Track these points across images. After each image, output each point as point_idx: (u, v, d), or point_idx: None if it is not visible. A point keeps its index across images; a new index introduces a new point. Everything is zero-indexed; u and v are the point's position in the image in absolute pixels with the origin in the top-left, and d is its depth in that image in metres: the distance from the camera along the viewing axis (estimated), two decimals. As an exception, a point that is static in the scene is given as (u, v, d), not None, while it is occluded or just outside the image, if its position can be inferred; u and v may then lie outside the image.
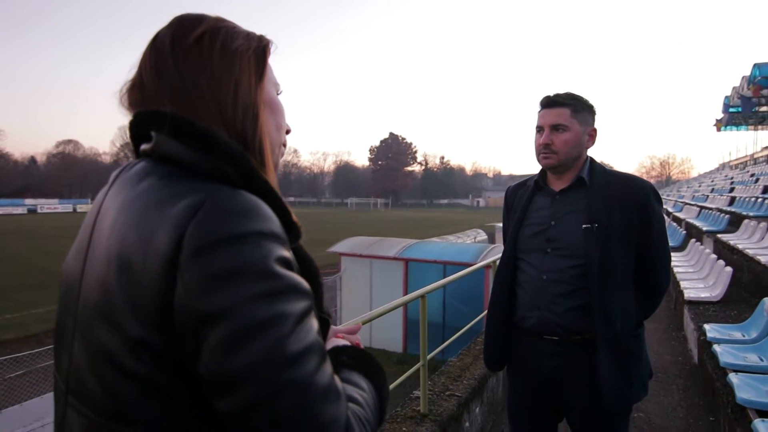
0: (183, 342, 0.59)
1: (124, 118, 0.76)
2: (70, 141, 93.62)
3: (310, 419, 0.59)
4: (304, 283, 0.65)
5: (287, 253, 0.65)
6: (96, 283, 0.65)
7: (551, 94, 1.83)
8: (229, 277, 0.58)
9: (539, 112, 1.85)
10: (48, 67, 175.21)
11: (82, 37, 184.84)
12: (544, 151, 1.81)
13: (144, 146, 0.73)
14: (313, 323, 0.64)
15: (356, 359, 0.79)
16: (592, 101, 1.85)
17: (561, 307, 1.76)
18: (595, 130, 1.85)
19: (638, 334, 1.82)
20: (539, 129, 1.83)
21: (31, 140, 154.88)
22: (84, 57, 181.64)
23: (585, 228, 1.74)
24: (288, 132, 0.86)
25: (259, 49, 0.78)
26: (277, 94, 0.83)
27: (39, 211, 68.97)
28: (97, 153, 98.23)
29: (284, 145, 0.85)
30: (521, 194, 1.97)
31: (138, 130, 0.75)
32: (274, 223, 0.64)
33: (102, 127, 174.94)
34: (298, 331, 0.61)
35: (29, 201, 72.98)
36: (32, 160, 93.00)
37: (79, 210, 72.75)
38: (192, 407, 0.62)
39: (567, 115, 1.78)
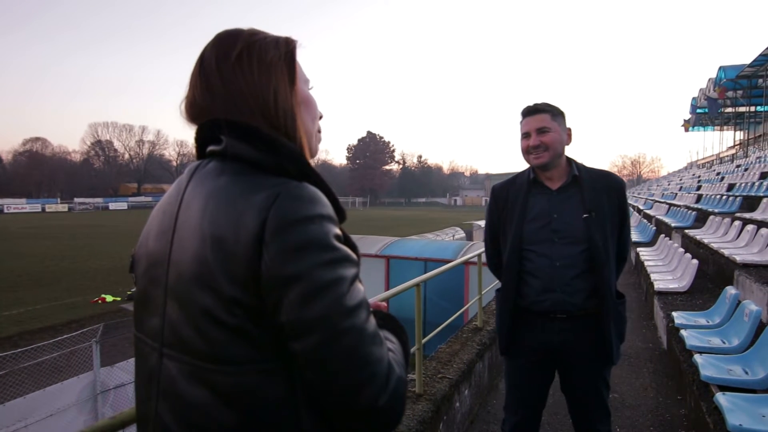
0: (268, 298, 0.75)
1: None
2: (38, 139, 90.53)
3: (363, 356, 0.76)
4: (353, 255, 0.82)
5: (340, 231, 0.81)
6: (191, 257, 0.79)
7: (531, 104, 2.10)
8: (302, 249, 0.75)
9: (523, 120, 2.11)
10: (13, 63, 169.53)
11: (50, 35, 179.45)
12: (534, 151, 2.05)
13: (212, 147, 0.88)
14: (361, 286, 0.82)
15: (385, 320, 0.97)
16: (565, 103, 2.13)
17: (574, 287, 2.01)
18: (570, 130, 2.13)
19: (624, 303, 2.12)
20: (526, 135, 2.08)
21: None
22: (51, 53, 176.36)
23: (585, 217, 2.00)
24: (321, 118, 0.99)
25: (288, 54, 0.91)
26: (309, 89, 0.97)
27: (6, 211, 66.60)
28: (67, 151, 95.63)
29: (319, 131, 0.99)
30: (514, 192, 2.17)
31: (204, 134, 0.90)
32: (330, 208, 0.81)
33: (71, 124, 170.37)
34: (352, 290, 0.78)
35: (-5, 201, 70.52)
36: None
37: (48, 210, 70.48)
38: (270, 350, 0.77)
39: (548, 119, 2.05)
